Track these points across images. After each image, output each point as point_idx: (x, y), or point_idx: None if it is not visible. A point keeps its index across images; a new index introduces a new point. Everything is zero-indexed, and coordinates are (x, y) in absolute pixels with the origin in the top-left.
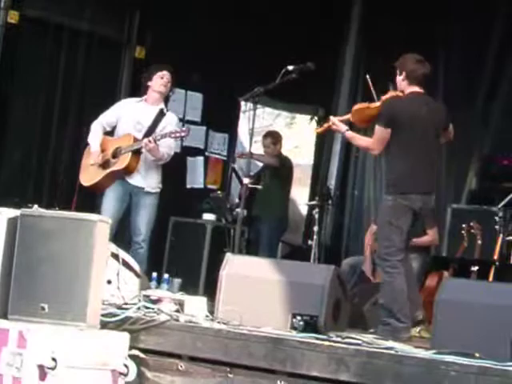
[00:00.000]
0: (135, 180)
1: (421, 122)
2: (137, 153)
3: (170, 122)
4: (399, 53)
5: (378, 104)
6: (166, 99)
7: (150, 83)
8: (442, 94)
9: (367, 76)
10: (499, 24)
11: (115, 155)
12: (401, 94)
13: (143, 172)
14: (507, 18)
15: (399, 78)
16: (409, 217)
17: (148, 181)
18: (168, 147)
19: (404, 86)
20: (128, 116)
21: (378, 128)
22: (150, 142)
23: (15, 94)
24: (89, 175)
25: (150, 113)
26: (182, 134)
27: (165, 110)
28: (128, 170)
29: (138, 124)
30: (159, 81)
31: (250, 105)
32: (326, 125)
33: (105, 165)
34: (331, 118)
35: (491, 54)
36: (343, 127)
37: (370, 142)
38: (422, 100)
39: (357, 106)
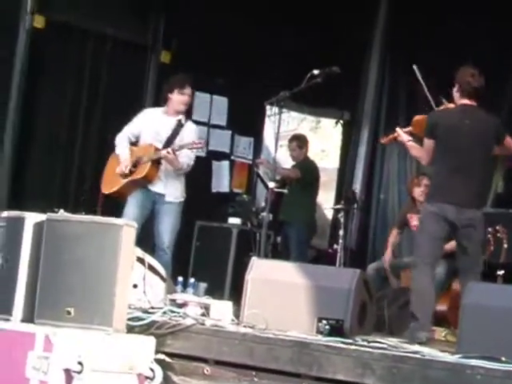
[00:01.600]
0: (157, 187)
1: (460, 134)
2: (157, 162)
3: (190, 132)
4: (424, 56)
5: None
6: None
7: (170, 95)
8: None
9: (415, 67)
10: None
11: (136, 164)
12: (452, 106)
13: (165, 180)
14: None
15: (454, 91)
16: (441, 225)
17: (170, 189)
18: (187, 157)
19: (456, 97)
20: (149, 127)
21: (424, 138)
22: (168, 153)
23: (42, 98)
24: (110, 183)
25: (169, 124)
26: (199, 146)
27: (183, 121)
28: (147, 179)
29: (157, 135)
30: (179, 98)
31: (276, 109)
32: (391, 136)
33: (126, 174)
34: (397, 129)
35: None
36: (406, 137)
37: (421, 152)
38: (468, 112)
39: (416, 118)
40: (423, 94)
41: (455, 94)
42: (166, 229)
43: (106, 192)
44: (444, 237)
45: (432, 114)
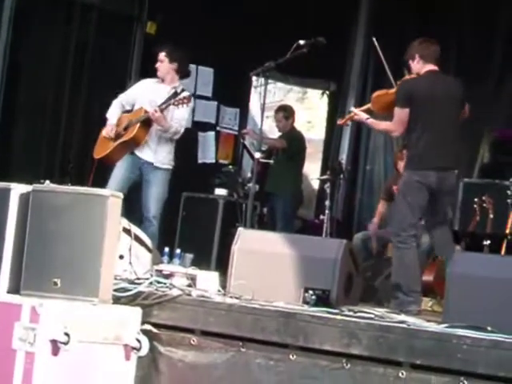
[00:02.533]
0: (145, 154)
1: (436, 99)
2: (146, 125)
3: None
4: (410, 29)
5: (395, 89)
6: (183, 74)
7: None
8: (454, 67)
9: (374, 39)
10: None
11: (127, 128)
12: (415, 76)
13: (154, 146)
14: None
15: (413, 63)
16: (423, 193)
17: (158, 156)
18: (178, 122)
19: (419, 68)
20: (144, 95)
21: (396, 109)
22: (155, 111)
23: (26, 69)
24: (101, 148)
25: (164, 92)
26: (185, 101)
27: (178, 90)
28: (135, 141)
29: (153, 102)
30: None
31: (262, 80)
32: (347, 116)
33: (116, 137)
34: (352, 108)
35: (503, 27)
36: (364, 116)
37: (391, 125)
38: (437, 77)
39: (376, 94)
40: (408, 66)
41: (416, 65)
42: (153, 197)
43: (97, 157)
44: (425, 206)
45: (404, 83)
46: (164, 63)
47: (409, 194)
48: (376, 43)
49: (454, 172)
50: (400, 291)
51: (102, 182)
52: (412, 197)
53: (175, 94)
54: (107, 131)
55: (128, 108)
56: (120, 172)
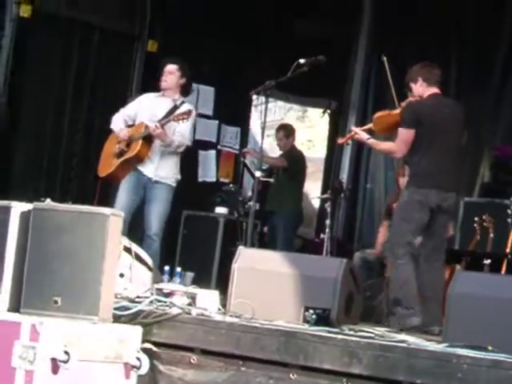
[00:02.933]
0: (148, 170)
1: (440, 122)
2: (148, 140)
3: None
4: (411, 47)
5: (398, 111)
6: (186, 91)
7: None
8: (455, 86)
9: (384, 58)
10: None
11: (128, 144)
12: (419, 99)
13: (156, 161)
14: None
15: (416, 87)
16: (424, 213)
17: (160, 171)
18: (181, 136)
19: (422, 91)
20: (145, 109)
21: (401, 130)
22: (156, 127)
23: (28, 88)
24: (105, 166)
25: (164, 105)
26: (184, 117)
27: (178, 103)
28: (139, 157)
29: (154, 116)
30: (162, 77)
31: (262, 98)
32: (348, 135)
33: (119, 155)
34: (353, 128)
35: (504, 46)
36: (365, 135)
37: (393, 145)
38: (442, 101)
39: (378, 115)
40: (409, 88)
41: (418, 88)
42: (155, 215)
43: (102, 175)
44: (424, 225)
45: (411, 105)
46: (174, 76)
47: (408, 213)
48: (386, 62)
49: (454, 194)
50: (398, 306)
51: (105, 200)
52: (412, 215)
53: (175, 108)
54: (122, 134)
55: (130, 123)
56: (124, 195)
